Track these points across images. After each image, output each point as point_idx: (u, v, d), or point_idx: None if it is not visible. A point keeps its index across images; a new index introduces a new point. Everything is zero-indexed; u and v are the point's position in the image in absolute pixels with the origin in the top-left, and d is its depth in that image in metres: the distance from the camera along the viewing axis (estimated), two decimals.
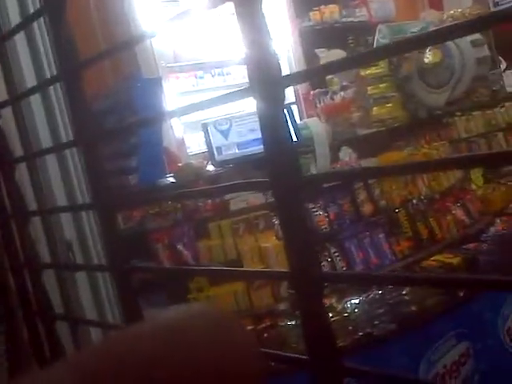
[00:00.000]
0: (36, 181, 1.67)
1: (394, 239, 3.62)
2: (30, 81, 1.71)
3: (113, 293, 1.78)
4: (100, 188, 1.17)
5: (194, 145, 4.78)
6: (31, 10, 1.75)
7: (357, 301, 3.14)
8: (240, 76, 5.20)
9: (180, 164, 3.85)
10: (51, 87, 1.73)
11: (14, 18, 1.71)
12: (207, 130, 3.60)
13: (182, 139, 4.71)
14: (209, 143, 3.60)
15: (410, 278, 0.90)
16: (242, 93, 0.93)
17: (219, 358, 0.31)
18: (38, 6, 1.79)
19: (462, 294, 3.25)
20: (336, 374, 0.91)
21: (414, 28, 4.44)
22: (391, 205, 3.68)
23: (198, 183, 3.60)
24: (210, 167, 3.70)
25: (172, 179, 3.61)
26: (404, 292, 3.19)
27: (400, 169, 0.98)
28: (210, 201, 3.50)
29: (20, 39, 1.71)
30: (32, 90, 1.55)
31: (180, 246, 3.37)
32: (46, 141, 1.70)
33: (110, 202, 1.17)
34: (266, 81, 0.83)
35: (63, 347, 1.60)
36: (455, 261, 3.38)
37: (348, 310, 3.10)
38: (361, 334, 3.04)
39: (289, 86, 0.89)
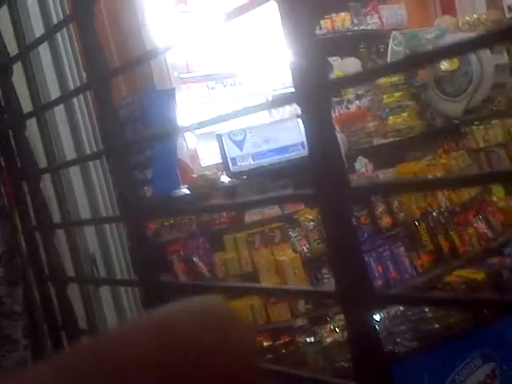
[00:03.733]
0: (60, 193, 1.65)
1: (414, 253, 3.52)
2: (54, 92, 1.69)
3: (136, 307, 1.75)
4: (130, 199, 1.14)
5: (207, 156, 4.75)
6: (54, 21, 1.73)
7: (377, 318, 3.04)
8: (251, 86, 5.16)
9: (194, 175, 3.82)
10: (74, 98, 1.71)
11: (38, 30, 1.69)
12: (222, 140, 3.53)
13: (195, 150, 4.68)
14: (223, 154, 3.54)
15: (465, 299, 0.86)
16: (285, 99, 0.90)
17: (216, 364, 0.29)
18: (62, 16, 1.77)
19: (486, 312, 3.14)
20: None
21: (428, 34, 4.37)
22: (410, 217, 3.59)
23: (213, 194, 3.57)
24: (225, 178, 3.66)
25: (186, 190, 3.58)
26: (426, 309, 3.10)
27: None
28: (224, 213, 3.46)
29: (44, 50, 1.69)
30: (58, 100, 1.53)
31: (195, 259, 3.33)
32: (70, 152, 1.68)
33: (140, 213, 1.13)
34: (312, 86, 0.80)
35: None
36: (479, 276, 3.26)
37: None
38: None
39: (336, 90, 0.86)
